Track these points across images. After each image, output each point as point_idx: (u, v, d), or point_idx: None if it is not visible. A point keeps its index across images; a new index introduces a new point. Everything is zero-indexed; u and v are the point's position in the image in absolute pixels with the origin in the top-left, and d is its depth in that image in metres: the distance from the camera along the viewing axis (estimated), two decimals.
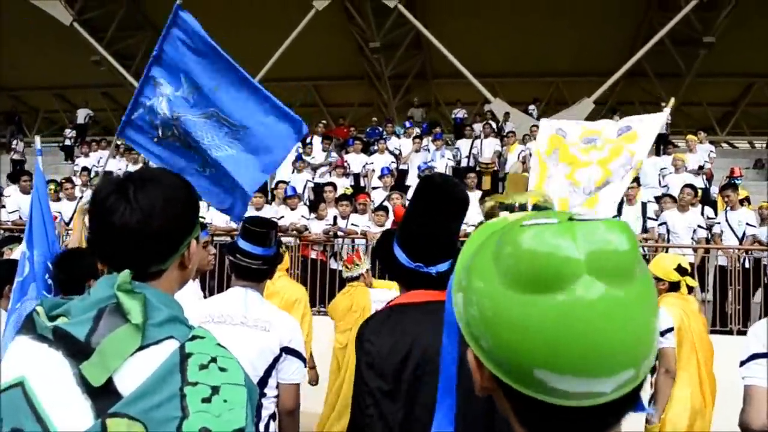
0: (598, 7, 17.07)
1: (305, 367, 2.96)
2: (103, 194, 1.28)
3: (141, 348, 1.16)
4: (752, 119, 22.25)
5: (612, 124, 5.63)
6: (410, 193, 10.49)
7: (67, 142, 18.35)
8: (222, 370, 1.16)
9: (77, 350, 1.16)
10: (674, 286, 4.46)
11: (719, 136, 21.05)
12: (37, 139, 4.49)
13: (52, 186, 10.49)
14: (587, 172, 5.16)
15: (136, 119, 4.37)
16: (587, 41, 18.27)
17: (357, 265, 5.42)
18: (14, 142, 18.05)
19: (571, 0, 16.93)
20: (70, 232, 9.61)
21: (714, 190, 11.94)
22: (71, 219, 9.96)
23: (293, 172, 12.03)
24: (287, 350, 2.84)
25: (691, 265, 5.91)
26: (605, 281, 0.71)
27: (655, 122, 5.39)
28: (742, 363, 2.56)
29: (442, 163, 12.34)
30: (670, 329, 4.19)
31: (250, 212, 8.80)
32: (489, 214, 0.92)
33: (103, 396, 1.12)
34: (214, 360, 1.17)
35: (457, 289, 0.85)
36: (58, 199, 10.46)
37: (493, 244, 0.78)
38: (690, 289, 4.63)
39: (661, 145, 14.62)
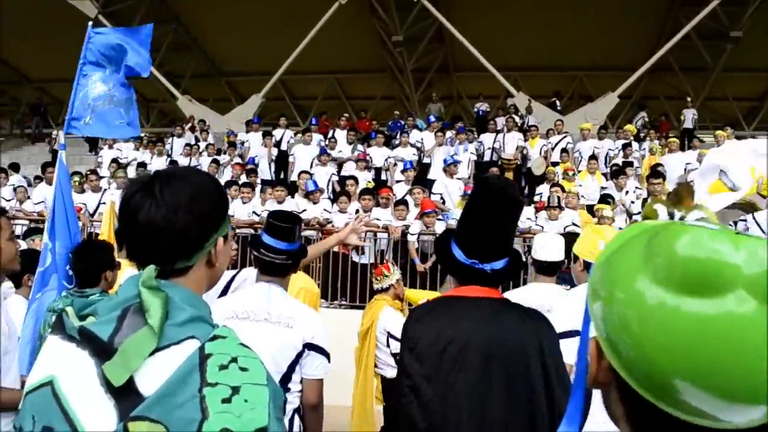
0: (623, 0, 16.86)
1: (329, 362, 2.92)
2: (130, 191, 1.30)
3: (161, 348, 1.15)
4: None
5: None
6: (434, 188, 10.51)
7: (57, 139, 18.44)
8: (243, 369, 1.14)
9: (101, 350, 1.16)
10: None
11: (745, 131, 20.69)
12: (60, 133, 4.61)
13: (76, 178, 10.56)
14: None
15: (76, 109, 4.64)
16: (611, 35, 18.04)
17: (386, 276, 5.39)
18: (54, 132, 18.18)
19: None
20: (98, 225, 9.73)
21: None
22: (95, 211, 10.06)
23: (317, 165, 12.03)
24: (310, 346, 2.83)
25: None
26: (759, 300, 0.68)
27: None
28: None
29: (466, 157, 12.25)
30: None
31: (272, 206, 8.84)
32: (647, 216, 0.90)
33: (125, 396, 1.12)
34: (234, 360, 1.15)
35: (594, 297, 0.84)
36: (83, 191, 10.53)
37: (643, 242, 0.78)
38: None
39: (686, 139, 14.46)
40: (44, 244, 4.18)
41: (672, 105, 19.93)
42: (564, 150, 12.37)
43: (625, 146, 12.85)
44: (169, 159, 13.65)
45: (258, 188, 10.97)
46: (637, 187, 10.61)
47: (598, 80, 19.75)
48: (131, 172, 12.02)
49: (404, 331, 2.16)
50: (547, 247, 3.96)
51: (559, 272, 4.99)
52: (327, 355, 2.90)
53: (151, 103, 24.30)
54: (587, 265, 3.26)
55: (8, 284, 4.58)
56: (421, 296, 5.81)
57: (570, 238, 5.58)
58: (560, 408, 2.00)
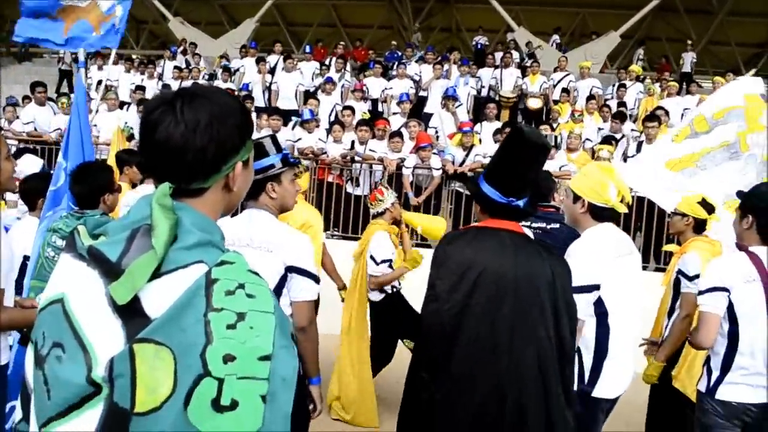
0: None
1: (317, 283, 2.90)
2: (152, 106, 1.27)
3: (169, 271, 1.14)
4: None
5: None
6: (431, 121, 10.39)
7: (65, 58, 17.90)
8: (249, 296, 1.12)
9: (110, 270, 1.14)
10: (699, 225, 4.32)
11: (734, 76, 20.49)
12: (81, 51, 4.47)
13: (64, 99, 10.33)
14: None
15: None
16: None
17: (380, 200, 5.34)
18: (62, 51, 17.67)
19: None
20: (97, 148, 9.57)
21: None
22: None
23: (321, 93, 11.78)
24: (292, 269, 2.81)
25: None
26: None
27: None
28: (701, 292, 3.04)
29: (465, 91, 12.04)
30: (698, 275, 4.03)
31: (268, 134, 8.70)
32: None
33: (132, 318, 1.11)
34: (241, 286, 1.13)
35: None
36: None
37: None
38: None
39: (685, 84, 14.27)
40: (58, 163, 4.14)
41: (673, 47, 19.67)
42: (565, 90, 12.21)
43: (619, 87, 12.68)
44: (160, 82, 13.37)
45: (253, 115, 10.78)
46: (632, 129, 10.52)
47: (601, 18, 19.40)
48: (122, 95, 11.76)
49: (436, 251, 2.48)
50: None
51: (544, 212, 4.95)
52: (314, 277, 2.88)
53: (142, 25, 23.72)
54: (593, 208, 3.04)
55: (23, 208, 4.56)
56: (420, 220, 5.80)
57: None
58: (565, 333, 2.34)
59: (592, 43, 16.71)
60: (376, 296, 5.32)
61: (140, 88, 12.03)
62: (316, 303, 3.00)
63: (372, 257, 5.20)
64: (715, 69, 21.20)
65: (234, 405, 1.04)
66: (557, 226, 4.87)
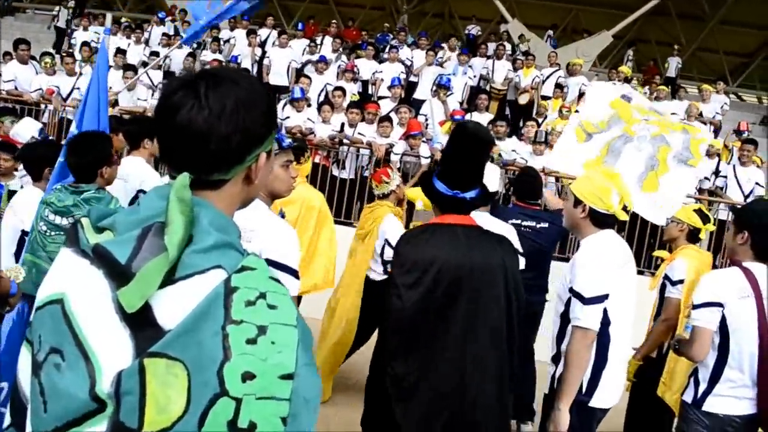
0: None
1: (296, 278, 2.69)
2: (171, 89, 1.14)
3: (184, 277, 1.02)
4: (765, 73, 21.89)
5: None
6: (422, 108, 10.27)
7: (60, 16, 17.39)
8: (271, 307, 1.02)
9: (118, 273, 1.02)
10: (693, 234, 4.37)
11: (729, 86, 20.66)
12: (109, 16, 4.31)
13: (47, 59, 9.99)
14: (640, 126, 5.00)
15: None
16: None
17: (387, 182, 5.19)
18: (57, 8, 17.12)
19: None
20: (70, 111, 9.32)
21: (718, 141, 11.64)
22: (69, 95, 9.61)
23: (313, 71, 11.57)
24: (270, 263, 2.61)
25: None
26: None
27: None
28: (695, 307, 3.01)
29: (461, 81, 11.87)
30: (682, 281, 4.14)
31: None
32: None
33: (142, 327, 1.00)
34: (263, 296, 1.02)
35: None
36: (54, 73, 10.00)
37: None
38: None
39: (671, 88, 14.24)
40: (71, 132, 3.94)
41: (662, 50, 19.72)
42: (558, 85, 12.14)
43: None
44: (147, 48, 13.03)
45: None
46: None
47: (594, 16, 19.38)
48: (109, 58, 11.43)
49: (396, 250, 2.65)
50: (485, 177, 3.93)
51: (533, 211, 4.92)
52: (293, 272, 2.68)
53: None
54: (594, 214, 2.96)
55: (24, 177, 4.31)
56: (419, 194, 5.71)
57: (529, 170, 5.48)
58: (519, 318, 2.57)
59: (584, 41, 16.70)
60: (379, 276, 5.12)
61: (121, 52, 11.65)
62: (298, 299, 2.87)
63: (387, 241, 4.99)
64: (701, 75, 21.37)
65: (252, 427, 0.95)
66: (546, 225, 4.88)
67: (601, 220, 2.97)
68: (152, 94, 10.44)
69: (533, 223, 4.82)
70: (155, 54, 11.66)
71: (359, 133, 8.87)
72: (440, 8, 21.90)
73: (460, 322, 2.49)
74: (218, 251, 1.06)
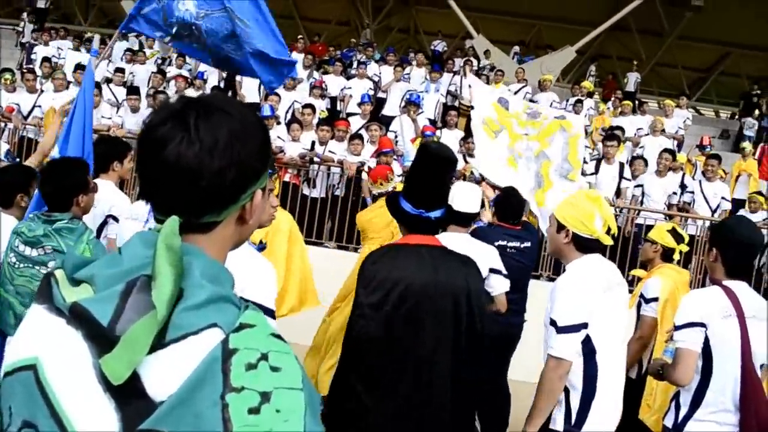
0: None
1: (273, 318, 2.53)
2: (157, 120, 1.01)
3: (176, 339, 0.89)
4: (722, 88, 22.47)
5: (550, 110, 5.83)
6: (392, 125, 10.20)
7: (26, 32, 16.95)
8: (274, 369, 0.90)
9: (99, 335, 0.89)
10: (668, 254, 4.41)
11: (688, 101, 21.14)
12: (96, 37, 4.16)
13: (7, 75, 9.68)
14: (523, 144, 5.12)
15: (148, 13, 4.17)
16: None
17: (390, 180, 5.10)
18: (21, 24, 16.62)
19: None
20: (31, 130, 9.03)
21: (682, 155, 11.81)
22: (29, 113, 9.32)
23: (282, 88, 11.38)
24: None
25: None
26: None
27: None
28: (677, 328, 2.91)
29: (434, 99, 11.82)
30: (656, 299, 4.18)
31: None
32: None
33: (129, 399, 0.87)
34: (264, 357, 0.90)
35: None
36: (14, 90, 9.70)
37: None
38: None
39: (633, 102, 14.43)
40: (52, 156, 3.74)
41: (623, 65, 20.08)
42: (532, 101, 12.20)
43: (576, 103, 12.74)
44: (111, 64, 12.74)
45: None
46: (586, 146, 10.54)
47: (556, 32, 19.62)
48: (70, 74, 11.11)
49: (361, 271, 2.59)
50: (465, 198, 3.87)
51: (516, 231, 4.89)
52: (267, 311, 2.46)
53: (92, 0, 22.77)
54: (577, 239, 2.85)
55: None
56: None
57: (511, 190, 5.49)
58: (480, 340, 2.58)
59: (548, 57, 16.85)
60: None
61: (81, 68, 11.36)
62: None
63: None
64: (661, 90, 21.82)
65: None
66: (529, 244, 4.86)
67: (585, 245, 2.88)
68: (116, 111, 10.19)
69: (517, 244, 4.81)
70: (120, 70, 11.38)
71: (330, 151, 8.75)
72: (405, 23, 21.97)
73: (425, 343, 2.48)
74: (213, 307, 0.93)
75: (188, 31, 4.14)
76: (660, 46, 19.67)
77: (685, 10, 17.44)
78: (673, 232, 4.44)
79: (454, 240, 3.66)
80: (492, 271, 3.90)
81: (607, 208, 2.93)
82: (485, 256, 3.85)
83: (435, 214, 2.63)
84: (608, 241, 2.89)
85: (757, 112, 16.09)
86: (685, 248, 4.51)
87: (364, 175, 8.29)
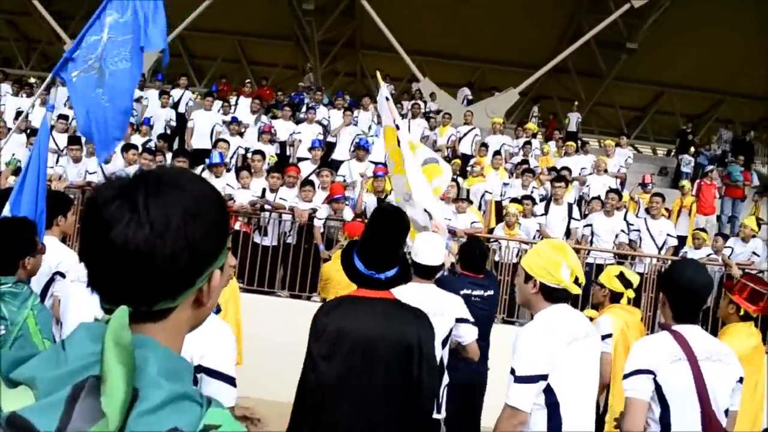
0: (530, 2, 17.08)
1: (233, 386, 2.42)
2: (102, 199, 0.92)
3: None
4: (657, 126, 23.30)
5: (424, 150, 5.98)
6: (340, 170, 10.14)
7: None
8: None
9: None
10: (616, 297, 4.51)
11: (627, 139, 21.80)
12: (53, 92, 4.04)
13: None
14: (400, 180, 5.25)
15: (76, 57, 4.09)
16: (516, 33, 18.31)
17: None
18: None
19: None
20: None
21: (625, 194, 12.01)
22: None
23: (226, 134, 11.22)
24: (200, 369, 2.34)
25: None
26: None
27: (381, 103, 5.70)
28: (626, 376, 2.84)
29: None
30: (609, 335, 4.24)
31: None
32: None
33: None
34: None
35: None
36: None
37: None
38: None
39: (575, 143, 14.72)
40: (3, 215, 3.52)
41: (563, 105, 20.59)
42: (484, 144, 12.32)
43: (525, 144, 12.95)
44: (52, 108, 12.32)
45: (168, 155, 10.06)
46: (534, 187, 10.68)
47: (499, 74, 20.03)
48: (10, 121, 10.75)
49: (314, 322, 2.64)
50: (428, 251, 3.84)
51: (480, 280, 4.88)
52: (229, 380, 2.41)
53: (34, 44, 22.28)
54: (545, 289, 2.82)
55: None
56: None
57: (475, 240, 5.49)
58: (428, 392, 2.63)
59: (492, 99, 17.09)
60: None
61: (20, 114, 10.99)
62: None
63: None
64: (601, 129, 22.47)
65: None
66: (492, 293, 4.88)
67: (553, 295, 2.84)
68: (56, 160, 9.85)
69: (481, 292, 4.88)
70: (63, 117, 11.04)
71: (281, 198, 8.64)
72: (352, 67, 22.12)
73: (376, 394, 2.53)
74: (172, 408, 0.82)
75: (98, 62, 4.08)
76: (598, 87, 20.26)
77: (620, 53, 18.04)
78: (621, 277, 4.52)
79: (420, 291, 3.67)
80: (459, 320, 3.84)
81: (573, 257, 2.90)
82: (452, 306, 3.82)
83: (387, 274, 2.71)
84: (575, 290, 2.86)
85: (692, 149, 16.65)
86: (631, 294, 4.57)
87: (317, 222, 8.19)
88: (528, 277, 2.87)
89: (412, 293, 3.63)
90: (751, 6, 15.25)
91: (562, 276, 2.80)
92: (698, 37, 16.90)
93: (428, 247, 3.87)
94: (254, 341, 5.25)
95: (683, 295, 2.96)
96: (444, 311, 3.70)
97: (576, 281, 2.84)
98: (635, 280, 4.61)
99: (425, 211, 5.04)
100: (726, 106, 21.20)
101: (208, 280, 0.99)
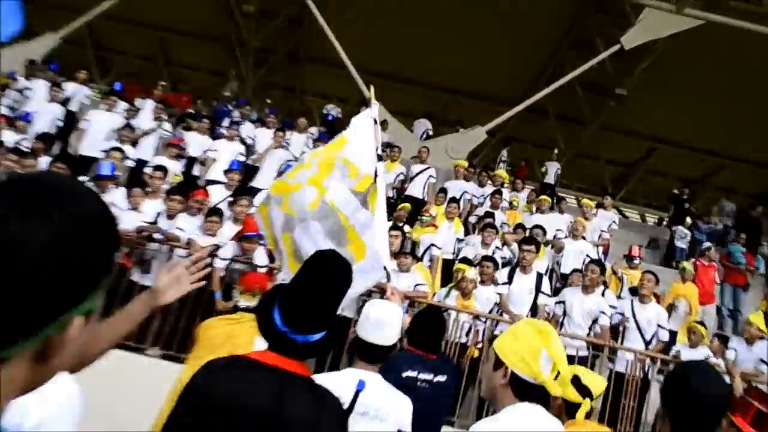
0: (509, 30, 17.20)
1: None
2: None
3: None
4: (647, 188, 23.40)
5: None
6: (257, 198, 9.70)
7: None
8: None
9: None
10: (573, 410, 4.01)
11: (611, 200, 21.96)
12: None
13: None
14: (299, 196, 5.06)
15: None
16: (489, 62, 18.43)
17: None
18: None
19: (483, 17, 17.03)
20: None
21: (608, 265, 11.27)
22: None
23: (117, 141, 10.73)
24: None
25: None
26: None
27: (365, 122, 5.33)
28: None
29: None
30: None
31: None
32: None
33: None
34: None
35: None
36: None
37: None
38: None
39: (551, 197, 14.50)
40: None
41: (538, 152, 20.68)
42: (443, 189, 12.06)
43: (494, 193, 12.65)
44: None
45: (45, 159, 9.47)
46: (497, 247, 10.32)
47: (465, 107, 20.06)
48: None
49: (192, 380, 2.30)
50: (378, 325, 3.36)
51: (432, 360, 4.44)
52: None
53: None
54: (516, 380, 2.53)
55: None
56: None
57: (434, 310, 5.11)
58: None
59: (455, 136, 16.83)
60: None
61: None
62: None
63: None
64: (580, 183, 22.55)
65: None
66: (444, 379, 4.43)
67: (524, 390, 2.52)
68: None
69: (430, 376, 4.36)
70: None
71: (178, 227, 8.18)
72: (291, 82, 21.89)
73: None
74: None
75: None
76: (581, 136, 20.43)
77: (607, 99, 18.23)
78: (576, 382, 4.00)
79: (355, 382, 3.25)
80: None
81: (558, 345, 2.57)
82: (398, 412, 3.40)
83: (307, 337, 2.40)
84: (556, 390, 2.56)
85: (689, 219, 16.06)
86: (588, 406, 4.10)
87: (218, 262, 7.67)
88: (498, 363, 2.59)
89: (344, 382, 3.25)
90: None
91: (541, 368, 2.50)
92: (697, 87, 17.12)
93: (380, 319, 3.39)
94: (107, 411, 4.81)
95: (689, 410, 2.58)
96: (386, 416, 3.30)
97: (557, 377, 2.54)
98: (597, 388, 4.13)
99: (384, 268, 4.78)
100: (728, 171, 21.43)
101: (62, 328, 0.93)
